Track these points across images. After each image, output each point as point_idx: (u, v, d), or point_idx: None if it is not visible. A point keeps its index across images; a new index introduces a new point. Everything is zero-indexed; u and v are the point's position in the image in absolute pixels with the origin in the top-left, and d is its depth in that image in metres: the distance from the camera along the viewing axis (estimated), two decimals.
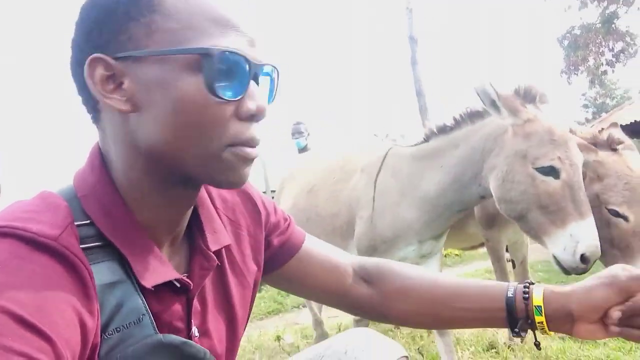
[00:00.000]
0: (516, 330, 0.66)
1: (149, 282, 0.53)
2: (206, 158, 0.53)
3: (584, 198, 1.49)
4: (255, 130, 0.55)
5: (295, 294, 0.85)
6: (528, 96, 1.61)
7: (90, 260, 0.50)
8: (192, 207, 0.62)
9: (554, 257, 1.51)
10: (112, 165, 0.56)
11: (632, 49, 15.58)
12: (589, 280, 0.64)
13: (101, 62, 0.51)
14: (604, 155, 1.75)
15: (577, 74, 17.24)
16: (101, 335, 0.49)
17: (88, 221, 0.52)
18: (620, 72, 17.80)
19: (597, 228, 1.48)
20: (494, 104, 1.58)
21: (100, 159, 0.56)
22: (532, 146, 1.52)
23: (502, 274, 2.53)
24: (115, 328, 0.50)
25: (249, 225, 0.72)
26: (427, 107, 10.92)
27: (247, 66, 0.52)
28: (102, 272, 0.51)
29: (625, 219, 1.66)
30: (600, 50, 16.39)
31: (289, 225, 0.79)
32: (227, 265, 0.67)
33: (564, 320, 0.64)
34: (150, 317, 0.53)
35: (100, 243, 0.52)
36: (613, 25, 15.74)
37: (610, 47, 16.29)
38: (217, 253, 0.63)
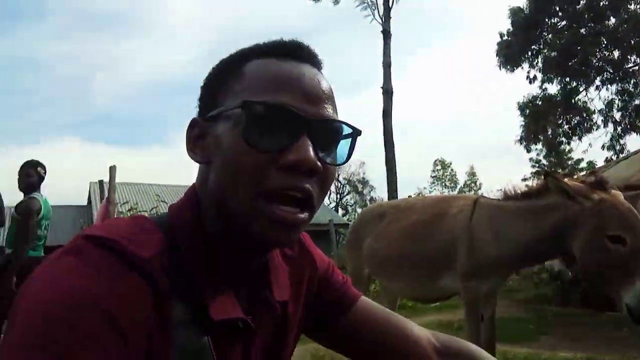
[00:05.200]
0: None
1: (217, 315, 0.54)
2: (245, 206, 0.54)
3: None
4: (297, 180, 0.54)
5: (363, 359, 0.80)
6: (598, 185, 2.18)
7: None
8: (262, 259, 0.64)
9: (626, 306, 2.00)
10: (203, 207, 0.60)
11: (587, 123, 17.63)
12: None
13: (197, 123, 0.61)
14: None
15: (536, 143, 18.79)
16: None
17: (174, 253, 0.55)
18: (573, 144, 19.79)
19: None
20: (566, 193, 2.17)
21: (195, 198, 0.61)
22: (604, 221, 2.08)
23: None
24: None
25: (306, 280, 0.73)
26: None
27: (293, 118, 0.54)
28: (177, 308, 0.52)
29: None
30: (559, 122, 18.17)
31: (345, 283, 0.79)
32: (281, 319, 0.68)
33: None
34: (214, 356, 0.54)
35: (179, 278, 0.54)
36: (572, 100, 17.46)
37: (568, 120, 18.14)
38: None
